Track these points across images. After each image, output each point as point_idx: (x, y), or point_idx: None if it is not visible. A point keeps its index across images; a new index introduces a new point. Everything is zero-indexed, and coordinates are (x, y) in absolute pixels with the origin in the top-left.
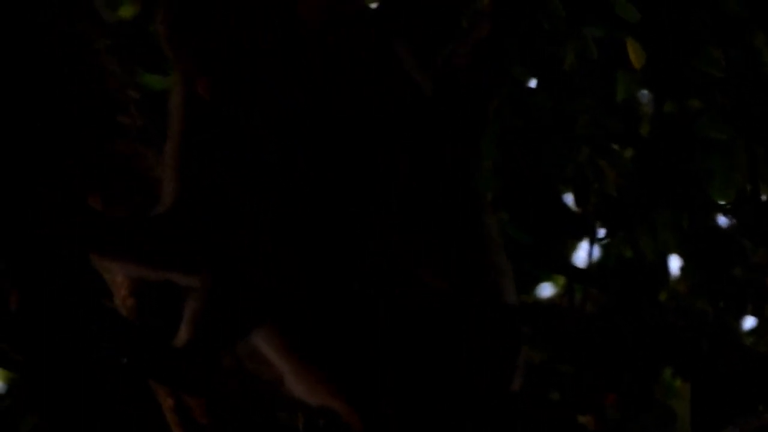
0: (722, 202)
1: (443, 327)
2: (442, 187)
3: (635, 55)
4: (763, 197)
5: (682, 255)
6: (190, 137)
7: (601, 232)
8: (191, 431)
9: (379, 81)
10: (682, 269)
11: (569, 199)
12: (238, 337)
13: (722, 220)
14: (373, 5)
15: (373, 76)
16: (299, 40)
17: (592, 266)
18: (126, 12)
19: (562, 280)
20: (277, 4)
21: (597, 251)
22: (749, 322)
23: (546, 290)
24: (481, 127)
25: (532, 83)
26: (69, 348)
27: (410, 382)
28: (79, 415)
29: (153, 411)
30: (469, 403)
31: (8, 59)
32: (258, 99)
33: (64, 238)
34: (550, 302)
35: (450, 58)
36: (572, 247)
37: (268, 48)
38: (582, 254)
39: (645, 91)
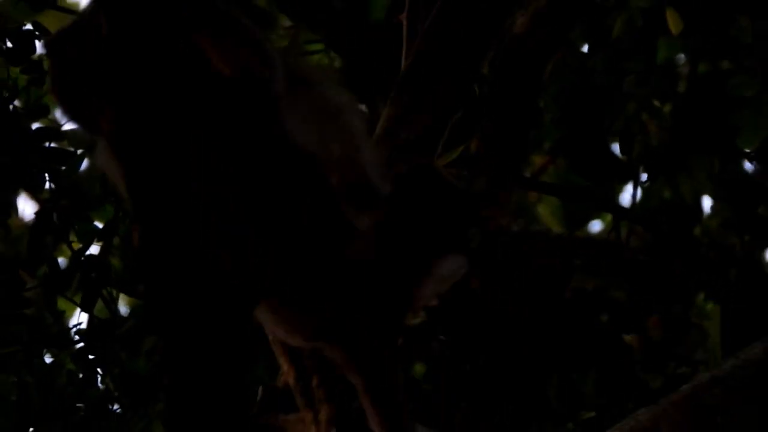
0: (748, 150)
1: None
2: None
3: (674, 22)
4: None
5: (714, 196)
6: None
7: (644, 177)
8: (288, 348)
9: None
10: (714, 208)
11: (616, 147)
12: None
13: (748, 166)
14: None
15: None
16: None
17: (636, 206)
18: None
19: (609, 217)
20: None
21: (640, 193)
22: None
23: (596, 227)
24: (540, 86)
25: (585, 48)
26: (184, 276)
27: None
28: (193, 338)
29: (254, 330)
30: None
31: None
32: None
33: None
34: (600, 237)
35: (512, 26)
36: (619, 189)
37: None
38: (627, 196)
39: (682, 54)
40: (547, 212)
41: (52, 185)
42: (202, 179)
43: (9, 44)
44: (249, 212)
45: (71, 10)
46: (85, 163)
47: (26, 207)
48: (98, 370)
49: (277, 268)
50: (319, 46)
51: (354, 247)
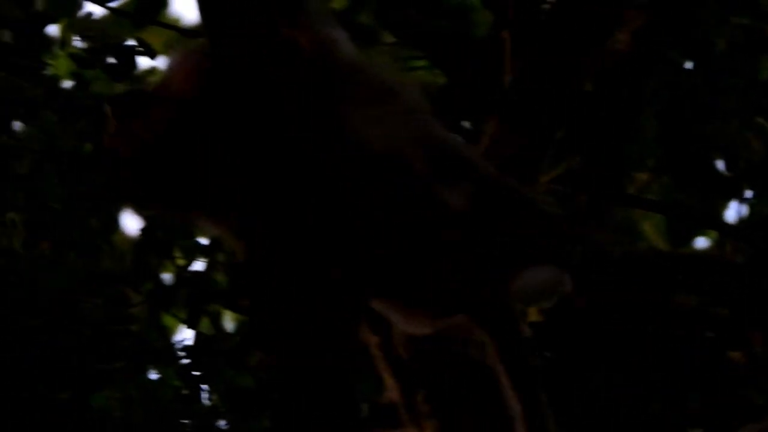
0: None
1: None
2: None
3: None
4: None
5: None
6: None
7: (748, 193)
8: (393, 365)
9: None
10: None
11: (720, 164)
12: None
13: None
14: None
15: None
16: None
17: (741, 222)
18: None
19: (714, 234)
20: None
21: (744, 209)
22: None
23: (701, 243)
24: (641, 104)
25: (688, 64)
26: (290, 291)
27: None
28: (296, 350)
29: (359, 347)
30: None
31: None
32: None
33: None
34: (704, 253)
35: (613, 44)
36: (723, 206)
37: None
38: (731, 212)
39: None
40: (651, 229)
41: None
42: (302, 191)
43: (111, 60)
44: (349, 215)
45: (173, 26)
46: None
47: (131, 223)
48: (203, 386)
49: (383, 267)
50: (422, 63)
51: (445, 234)
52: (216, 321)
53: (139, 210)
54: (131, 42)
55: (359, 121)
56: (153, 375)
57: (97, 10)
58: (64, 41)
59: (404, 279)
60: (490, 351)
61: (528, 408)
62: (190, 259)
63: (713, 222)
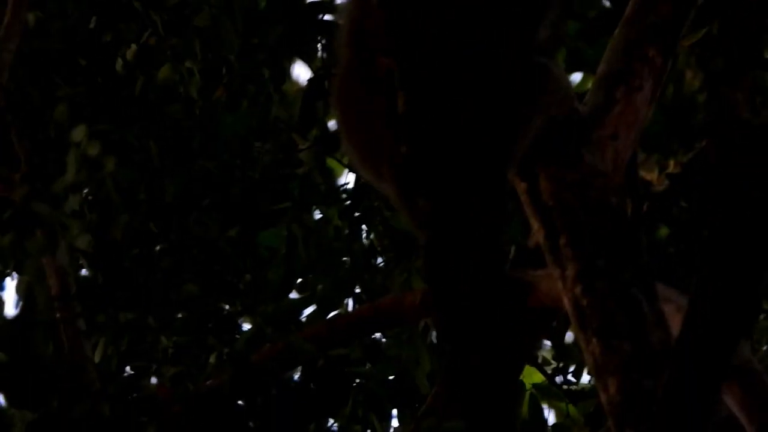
0: None
1: None
2: None
3: None
4: None
5: None
6: None
7: None
8: (540, 210)
9: None
10: None
11: None
12: None
13: None
14: None
15: None
16: None
17: None
18: None
19: None
20: None
21: None
22: None
23: None
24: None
25: None
26: (445, 138)
27: None
28: (452, 196)
29: (508, 193)
30: None
31: None
32: None
33: None
34: None
35: None
36: None
37: None
38: None
39: None
40: None
41: (324, 55)
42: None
43: None
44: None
45: None
46: None
47: (301, 73)
48: (363, 226)
49: None
50: None
51: None
52: None
53: None
54: None
55: None
56: (317, 215)
57: None
58: None
59: None
60: None
61: None
62: None
63: None
